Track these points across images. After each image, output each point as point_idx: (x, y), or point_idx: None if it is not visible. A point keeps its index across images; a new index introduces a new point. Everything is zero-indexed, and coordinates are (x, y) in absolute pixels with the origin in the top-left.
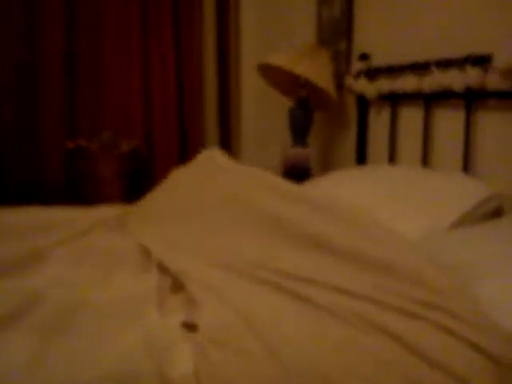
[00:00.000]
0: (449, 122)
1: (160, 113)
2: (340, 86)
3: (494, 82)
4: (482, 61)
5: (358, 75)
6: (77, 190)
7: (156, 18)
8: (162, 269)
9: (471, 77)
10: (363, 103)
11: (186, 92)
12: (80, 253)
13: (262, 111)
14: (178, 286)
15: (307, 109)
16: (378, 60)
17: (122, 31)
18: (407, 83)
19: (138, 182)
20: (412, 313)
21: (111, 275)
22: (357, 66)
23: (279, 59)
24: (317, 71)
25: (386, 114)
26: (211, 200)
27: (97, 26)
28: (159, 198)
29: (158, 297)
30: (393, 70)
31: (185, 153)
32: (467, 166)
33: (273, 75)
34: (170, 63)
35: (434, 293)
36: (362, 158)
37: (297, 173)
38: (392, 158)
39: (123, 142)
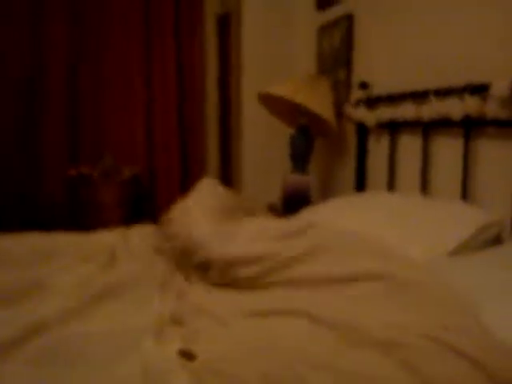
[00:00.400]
0: (448, 150)
1: (162, 140)
2: (340, 114)
3: (492, 110)
4: (480, 89)
5: (357, 104)
6: (78, 217)
7: (159, 48)
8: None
9: (469, 105)
10: (363, 131)
11: (188, 119)
12: (82, 281)
13: (262, 139)
14: (178, 316)
15: (308, 136)
16: (378, 89)
17: (125, 63)
18: (406, 111)
19: (140, 209)
20: None
21: (111, 305)
22: (356, 94)
23: (280, 89)
24: (317, 100)
25: (385, 142)
26: None
27: (99, 52)
28: None
29: (157, 327)
30: (392, 99)
31: (186, 179)
32: (466, 193)
33: (274, 104)
34: (173, 92)
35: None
36: (361, 185)
37: (296, 199)
38: (391, 186)
39: (125, 169)
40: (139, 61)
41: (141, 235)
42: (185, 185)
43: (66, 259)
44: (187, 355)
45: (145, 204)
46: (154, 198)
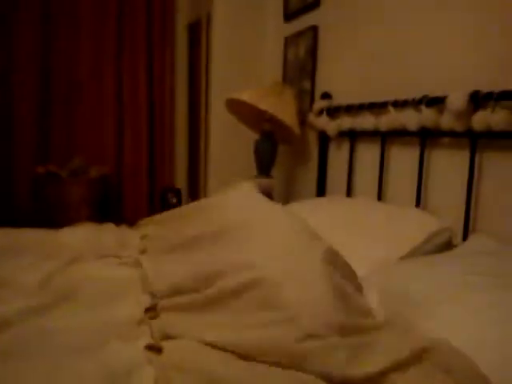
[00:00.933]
0: (404, 159)
1: (131, 142)
2: (304, 122)
3: (447, 122)
4: (436, 102)
5: (320, 113)
6: (46, 215)
7: (130, 53)
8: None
9: (426, 117)
10: (324, 139)
11: (157, 123)
12: (47, 278)
13: (229, 143)
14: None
15: (272, 142)
16: (339, 99)
17: (97, 62)
18: (365, 121)
19: (107, 208)
20: None
21: (76, 304)
22: (319, 104)
23: (246, 95)
24: (281, 107)
25: (345, 150)
26: None
27: (72, 57)
28: None
29: (125, 325)
30: (352, 109)
31: (154, 181)
32: (420, 200)
33: (240, 110)
34: (143, 95)
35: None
36: (322, 191)
37: None
38: (350, 191)
39: (93, 169)
40: (111, 64)
41: (110, 233)
42: (153, 187)
43: (31, 256)
44: (155, 349)
45: (112, 204)
46: (121, 199)
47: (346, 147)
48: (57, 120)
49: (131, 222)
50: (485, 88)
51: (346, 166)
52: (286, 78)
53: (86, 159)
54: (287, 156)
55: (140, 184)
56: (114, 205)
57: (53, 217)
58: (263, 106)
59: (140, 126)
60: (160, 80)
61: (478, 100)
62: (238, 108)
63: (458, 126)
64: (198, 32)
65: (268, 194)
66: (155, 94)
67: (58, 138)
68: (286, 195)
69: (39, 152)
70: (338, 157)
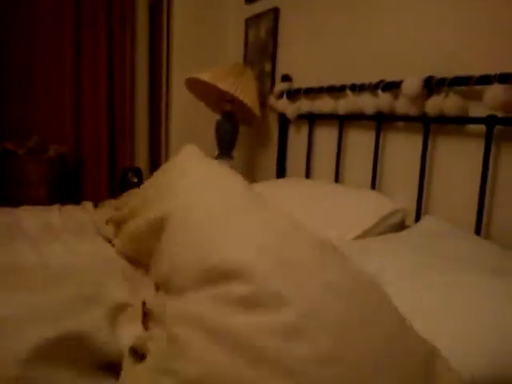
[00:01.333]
0: (361, 142)
1: (90, 120)
2: (264, 104)
3: (402, 107)
4: (392, 86)
5: (280, 95)
6: (3, 193)
7: (89, 26)
8: None
9: (382, 101)
10: (284, 121)
11: (117, 102)
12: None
13: (190, 123)
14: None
15: (233, 123)
16: (299, 82)
17: (55, 37)
18: (324, 104)
19: (66, 187)
20: None
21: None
22: (279, 86)
23: (206, 75)
24: (242, 88)
25: (304, 132)
26: None
27: (29, 30)
28: None
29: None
30: (311, 92)
31: (114, 160)
32: (376, 182)
33: (201, 90)
34: (102, 71)
35: None
36: (282, 172)
37: None
38: (309, 173)
39: (51, 148)
40: (68, 40)
41: (75, 214)
42: (113, 166)
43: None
44: (137, 354)
45: (72, 183)
46: (81, 178)
47: (305, 130)
48: (13, 97)
49: (92, 202)
50: (439, 74)
51: (305, 148)
52: (247, 60)
53: (44, 138)
54: (248, 137)
55: (100, 163)
56: (74, 184)
57: (10, 195)
58: (224, 86)
59: (99, 105)
60: (120, 58)
61: (431, 85)
62: (198, 88)
63: (413, 111)
64: (158, 12)
65: None
66: (115, 72)
67: (15, 115)
68: (247, 176)
69: None
70: (297, 139)
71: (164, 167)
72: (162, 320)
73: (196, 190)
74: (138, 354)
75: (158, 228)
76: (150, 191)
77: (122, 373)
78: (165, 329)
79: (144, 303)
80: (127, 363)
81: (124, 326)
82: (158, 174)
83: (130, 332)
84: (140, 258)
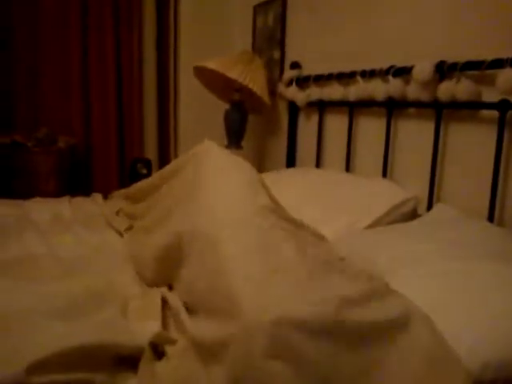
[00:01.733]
0: (372, 129)
1: (99, 111)
2: (273, 92)
3: (413, 92)
4: (402, 72)
5: (289, 83)
6: (12, 185)
7: (96, 19)
8: None
9: (392, 87)
10: (294, 109)
11: (126, 91)
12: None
13: (199, 113)
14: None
15: (242, 112)
16: (309, 69)
17: (62, 29)
18: (334, 91)
19: (76, 180)
20: None
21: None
22: (288, 74)
23: (214, 63)
24: (250, 76)
25: (314, 120)
26: None
27: (35, 22)
28: None
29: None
30: (321, 79)
31: (123, 153)
32: (387, 170)
33: (209, 79)
34: (110, 64)
35: None
36: (291, 161)
37: None
38: (319, 162)
39: (61, 139)
40: (77, 30)
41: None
42: (122, 157)
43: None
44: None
45: (81, 175)
46: (90, 170)
47: (315, 117)
48: (21, 89)
49: (101, 193)
50: (450, 58)
51: (315, 137)
52: (255, 48)
53: (53, 129)
54: (257, 126)
55: (109, 155)
56: (83, 176)
57: (20, 188)
58: (232, 74)
59: (108, 96)
60: (127, 48)
61: (443, 70)
62: (207, 77)
63: (424, 96)
64: (166, 0)
65: None
66: (123, 63)
67: (23, 107)
68: (257, 166)
69: (3, 122)
70: (307, 127)
71: (180, 163)
72: (180, 323)
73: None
74: (157, 351)
75: (178, 250)
76: (166, 193)
77: (141, 369)
78: (185, 335)
79: (163, 300)
80: (146, 359)
81: (140, 321)
82: (173, 170)
83: (147, 328)
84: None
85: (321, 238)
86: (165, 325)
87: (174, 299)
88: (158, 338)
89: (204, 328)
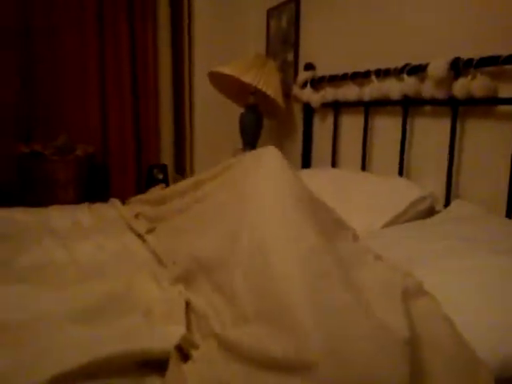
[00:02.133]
0: (387, 128)
1: (116, 120)
2: (288, 94)
3: (428, 90)
4: (417, 70)
5: (304, 84)
6: (31, 195)
7: (112, 25)
8: None
9: (407, 85)
10: (309, 111)
11: (142, 99)
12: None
13: (214, 117)
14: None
15: (257, 115)
16: (323, 70)
17: (79, 38)
18: (349, 92)
19: (94, 188)
20: None
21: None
22: (302, 75)
23: (229, 68)
24: (265, 80)
25: (329, 121)
26: None
27: (54, 31)
28: None
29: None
30: (335, 79)
31: (140, 159)
32: (403, 168)
33: (224, 83)
34: (126, 72)
35: None
36: (307, 162)
37: None
38: (335, 162)
39: (79, 147)
40: (92, 39)
41: (105, 212)
42: (139, 163)
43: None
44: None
45: (99, 183)
46: (108, 177)
47: (330, 118)
48: (40, 98)
49: (119, 199)
50: (465, 55)
51: (330, 137)
52: (269, 51)
53: (71, 138)
54: (272, 129)
55: (126, 161)
56: (101, 183)
57: (39, 197)
58: (246, 78)
59: (124, 104)
60: (143, 56)
61: (458, 67)
62: (221, 81)
63: (440, 94)
64: (179, 6)
65: None
66: (138, 69)
67: (42, 116)
68: None
69: (22, 130)
70: (322, 128)
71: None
72: (208, 327)
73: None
74: (183, 353)
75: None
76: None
77: (169, 370)
78: (212, 340)
79: (187, 304)
80: (173, 361)
81: (165, 325)
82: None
83: (172, 332)
84: None
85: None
86: (189, 328)
87: (199, 302)
88: (184, 342)
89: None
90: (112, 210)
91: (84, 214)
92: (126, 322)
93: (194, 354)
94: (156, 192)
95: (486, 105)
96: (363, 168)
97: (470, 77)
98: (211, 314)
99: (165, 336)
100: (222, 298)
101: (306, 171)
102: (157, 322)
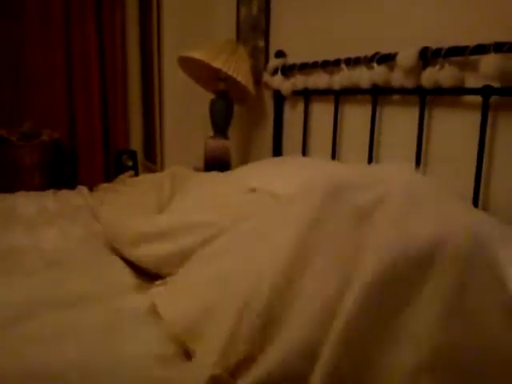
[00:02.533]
0: (357, 116)
1: (83, 106)
2: (258, 81)
3: (397, 79)
4: (387, 59)
5: (274, 72)
6: None
7: (79, 11)
8: None
9: (377, 74)
10: (279, 98)
11: (109, 83)
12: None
13: (184, 103)
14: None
15: (227, 102)
16: (294, 57)
17: (45, 22)
18: (319, 80)
19: (60, 173)
20: None
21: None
22: (273, 62)
23: (199, 53)
24: (235, 66)
25: (300, 109)
26: None
27: (19, 16)
28: None
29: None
30: (306, 67)
31: (108, 145)
32: (372, 156)
33: (194, 69)
34: (93, 55)
35: None
36: (278, 150)
37: (217, 163)
38: (305, 150)
39: (45, 133)
40: (59, 24)
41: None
42: (107, 149)
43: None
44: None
45: (66, 168)
46: (76, 163)
47: (300, 106)
48: (5, 83)
49: (87, 186)
50: (434, 45)
51: (301, 125)
52: (240, 37)
53: (37, 123)
54: (243, 116)
55: (94, 147)
56: (68, 169)
57: (5, 182)
58: (217, 64)
59: (92, 89)
60: (111, 40)
61: (427, 57)
62: (191, 67)
63: (408, 83)
64: None
65: (224, 154)
66: (106, 54)
67: (7, 102)
68: (243, 155)
69: None
70: (293, 116)
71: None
72: None
73: None
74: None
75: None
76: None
77: None
78: None
79: None
80: None
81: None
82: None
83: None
84: None
85: None
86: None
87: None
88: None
89: None
90: (78, 197)
91: (50, 201)
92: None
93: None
94: (123, 181)
95: (453, 94)
96: (333, 156)
97: (438, 66)
98: None
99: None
100: None
101: (276, 159)
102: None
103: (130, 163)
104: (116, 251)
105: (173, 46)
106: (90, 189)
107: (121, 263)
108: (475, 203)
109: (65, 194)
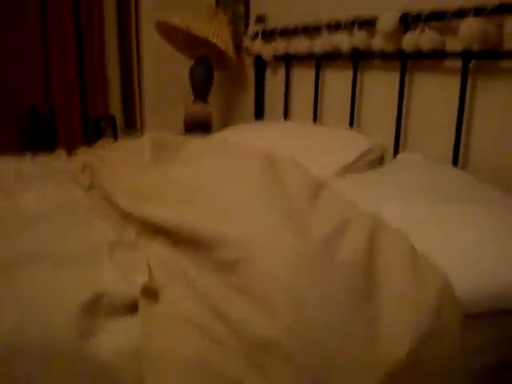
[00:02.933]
0: (338, 81)
1: (59, 70)
2: (239, 47)
3: (378, 44)
4: (367, 23)
5: (255, 37)
6: None
7: None
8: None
9: (357, 39)
10: (260, 63)
11: (86, 48)
12: None
13: (164, 68)
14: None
15: (207, 67)
16: (274, 22)
17: None
18: (300, 45)
19: (40, 139)
20: None
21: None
22: (254, 27)
23: (177, 19)
24: (215, 31)
25: (281, 74)
26: None
27: None
28: None
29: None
30: (287, 32)
31: (87, 111)
32: (353, 121)
33: (173, 35)
34: (69, 19)
35: None
36: (259, 115)
37: (198, 128)
38: (287, 115)
39: (22, 100)
40: None
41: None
42: (85, 115)
43: None
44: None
45: (44, 133)
46: (53, 129)
47: (282, 71)
48: None
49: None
50: (414, 9)
51: (282, 90)
52: (220, 2)
53: (13, 90)
54: (224, 81)
55: (72, 113)
56: (46, 135)
57: None
58: (196, 29)
59: (67, 55)
60: (87, 5)
61: (407, 21)
62: (170, 32)
63: (389, 48)
64: None
65: (205, 120)
66: (82, 20)
67: None
68: (224, 121)
69: None
70: (274, 81)
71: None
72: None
73: None
74: (152, 294)
75: None
76: None
77: (140, 312)
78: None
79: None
80: (143, 303)
81: (132, 275)
82: None
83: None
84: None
85: None
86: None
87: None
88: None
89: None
90: (57, 161)
91: (27, 165)
92: (90, 268)
93: (161, 297)
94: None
95: (433, 58)
96: (315, 120)
97: (418, 31)
98: (176, 256)
99: (130, 281)
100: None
101: (258, 123)
102: (119, 270)
103: (109, 128)
104: (100, 214)
105: (151, 10)
106: (69, 153)
107: (103, 225)
108: (455, 163)
109: (43, 158)
